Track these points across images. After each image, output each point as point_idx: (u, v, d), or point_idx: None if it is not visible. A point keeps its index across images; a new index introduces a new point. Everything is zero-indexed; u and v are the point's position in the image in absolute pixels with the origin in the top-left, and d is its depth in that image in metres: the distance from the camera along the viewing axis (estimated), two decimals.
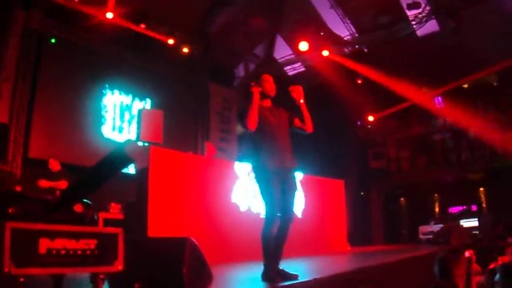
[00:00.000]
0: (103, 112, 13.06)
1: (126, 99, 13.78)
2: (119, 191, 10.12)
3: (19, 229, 3.25)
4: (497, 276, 3.21)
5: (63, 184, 8.70)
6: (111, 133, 13.17)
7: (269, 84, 5.40)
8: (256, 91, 5.20)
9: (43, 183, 8.77)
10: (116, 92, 13.52)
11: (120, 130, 13.45)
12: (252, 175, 5.38)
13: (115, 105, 13.42)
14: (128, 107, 13.80)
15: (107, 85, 13.28)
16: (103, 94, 13.15)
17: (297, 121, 5.46)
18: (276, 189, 5.11)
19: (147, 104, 14.22)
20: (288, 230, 5.22)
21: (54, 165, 9.48)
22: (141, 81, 14.13)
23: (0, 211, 3.59)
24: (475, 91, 18.39)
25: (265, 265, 5.06)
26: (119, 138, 13.24)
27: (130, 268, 3.87)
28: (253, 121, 5.12)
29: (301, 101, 5.41)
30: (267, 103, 5.41)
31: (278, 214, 5.12)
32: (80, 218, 3.77)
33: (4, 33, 11.19)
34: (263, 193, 5.20)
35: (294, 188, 5.32)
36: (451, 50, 15.35)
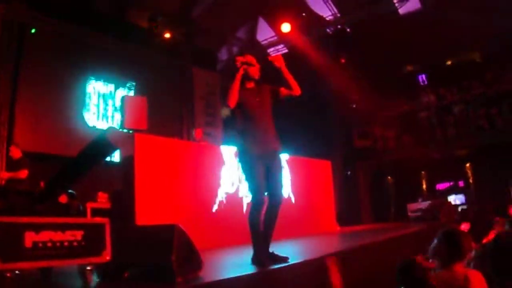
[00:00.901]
0: (86, 100, 12.93)
1: (109, 87, 13.67)
2: (106, 180, 10.08)
3: (3, 223, 3.22)
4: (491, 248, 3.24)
5: (22, 174, 8.46)
6: (95, 121, 13.08)
7: (253, 67, 5.36)
8: (241, 68, 5.17)
9: (3, 174, 8.65)
10: (99, 80, 13.39)
11: (105, 118, 13.35)
12: (237, 159, 5.37)
13: (98, 93, 13.32)
14: (112, 95, 13.70)
15: (89, 74, 13.14)
16: (86, 83, 13.02)
17: (283, 90, 5.41)
18: (260, 172, 5.09)
19: (131, 91, 14.10)
20: (277, 213, 5.21)
21: (15, 153, 9.29)
22: (124, 68, 14.03)
23: None
24: (459, 68, 18.41)
25: (255, 249, 5.05)
26: (104, 126, 13.15)
27: (118, 257, 3.84)
28: (233, 98, 5.11)
29: (284, 67, 5.36)
30: (250, 84, 5.37)
31: (265, 197, 5.11)
32: (65, 209, 3.72)
33: None
34: (248, 177, 5.19)
35: (279, 171, 5.30)
36: (434, 27, 15.33)
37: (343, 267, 4.35)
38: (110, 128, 10.23)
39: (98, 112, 13.22)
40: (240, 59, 5.26)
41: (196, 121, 15.57)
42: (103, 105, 13.38)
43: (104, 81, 13.51)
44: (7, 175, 8.63)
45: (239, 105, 5.19)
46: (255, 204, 5.09)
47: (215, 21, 15.67)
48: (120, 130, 8.05)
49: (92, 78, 13.22)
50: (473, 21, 14.68)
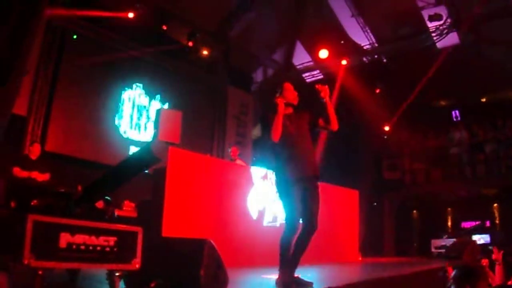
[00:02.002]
0: (120, 108, 13.06)
1: (145, 99, 13.81)
2: (132, 189, 10.14)
3: (40, 222, 3.26)
4: None
5: (44, 177, 8.32)
6: (128, 131, 13.18)
7: (290, 92, 5.39)
8: (281, 102, 5.19)
9: (18, 172, 8.38)
10: (135, 90, 13.54)
11: (137, 127, 13.47)
12: (274, 183, 5.37)
13: (133, 102, 13.44)
14: (146, 107, 13.82)
15: (126, 83, 13.30)
16: (121, 91, 13.17)
17: (321, 121, 5.42)
18: (297, 197, 5.07)
19: (165, 104, 14.23)
20: (309, 240, 5.18)
21: (36, 151, 9.06)
22: (160, 81, 14.18)
23: (23, 204, 3.60)
24: (493, 106, 18.24)
25: (281, 272, 5.04)
26: (136, 136, 13.27)
27: (146, 267, 3.86)
28: (278, 133, 5.11)
29: (328, 100, 5.36)
30: (289, 110, 5.38)
31: (300, 222, 5.10)
32: (101, 214, 3.77)
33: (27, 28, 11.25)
34: (284, 201, 5.17)
35: (316, 197, 5.26)
36: (471, 63, 15.25)
37: None
38: (153, 140, 10.31)
39: (131, 121, 13.33)
40: (278, 96, 5.28)
41: (227, 140, 15.63)
42: (136, 114, 13.49)
43: (140, 91, 13.63)
44: (23, 174, 8.43)
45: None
46: (290, 228, 5.07)
47: (252, 42, 15.79)
48: (161, 142, 8.10)
49: (128, 87, 13.35)
50: (510, 59, 14.59)
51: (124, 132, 13.08)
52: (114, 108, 12.95)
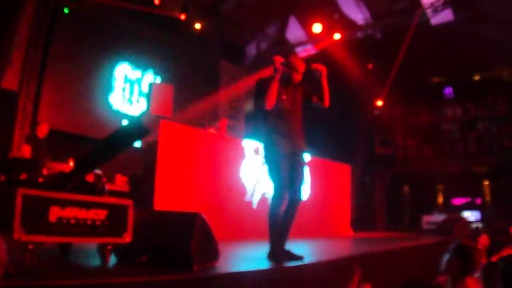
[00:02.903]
0: (113, 83, 12.98)
1: (137, 72, 13.73)
2: (124, 164, 10.12)
3: (30, 196, 3.25)
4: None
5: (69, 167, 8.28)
6: (120, 104, 13.12)
7: (299, 61, 5.37)
8: (280, 70, 5.17)
9: (27, 152, 8.39)
10: (127, 64, 13.45)
11: (129, 102, 13.41)
12: (262, 154, 5.38)
13: (125, 77, 13.36)
14: (138, 80, 13.74)
15: (118, 57, 13.20)
16: (113, 66, 13.07)
17: (314, 98, 5.45)
18: (285, 170, 5.11)
19: (158, 77, 14.15)
20: (296, 212, 5.23)
21: (44, 130, 9.10)
22: (152, 54, 14.09)
23: (13, 178, 3.58)
24: (486, 84, 18.26)
25: (271, 245, 5.07)
26: (129, 110, 13.22)
27: (138, 240, 3.87)
28: (272, 101, 5.10)
29: (325, 79, 5.41)
30: (298, 78, 5.37)
31: (286, 195, 5.13)
32: (91, 188, 3.75)
33: (18, 1, 11.12)
34: (272, 173, 5.20)
35: (302, 171, 5.31)
36: (464, 40, 15.22)
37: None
38: (144, 112, 10.26)
39: (124, 95, 13.27)
40: (279, 59, 5.25)
41: (220, 113, 15.59)
42: (128, 89, 13.42)
43: (131, 65, 13.55)
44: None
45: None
46: (277, 199, 5.11)
47: (245, 15, 15.66)
48: (152, 115, 8.06)
49: (120, 61, 13.26)
50: (504, 38, 14.57)
51: (116, 106, 13.00)
52: (106, 82, 12.85)
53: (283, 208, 5.15)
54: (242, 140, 9.43)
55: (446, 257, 3.61)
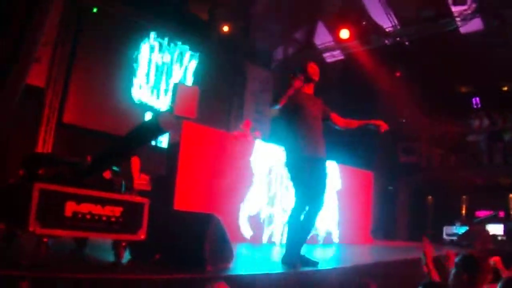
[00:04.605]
0: (136, 80, 13.06)
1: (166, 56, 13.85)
2: (149, 163, 10.21)
3: (47, 191, 3.29)
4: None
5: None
6: (147, 98, 13.25)
7: (313, 69, 5.44)
8: (295, 82, 5.23)
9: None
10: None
11: (157, 95, 13.50)
12: (284, 160, 5.40)
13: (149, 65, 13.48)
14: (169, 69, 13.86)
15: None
16: (137, 63, 13.17)
17: (334, 116, 5.55)
18: (308, 177, 5.12)
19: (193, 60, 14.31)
20: (316, 219, 5.24)
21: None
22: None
23: (31, 172, 3.64)
24: None
25: (287, 250, 5.08)
26: (155, 103, 13.39)
27: (153, 238, 3.90)
28: (283, 102, 5.17)
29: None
30: (310, 89, 5.46)
31: (307, 201, 5.14)
32: (108, 184, 3.79)
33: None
34: (295, 179, 5.22)
35: (324, 178, 5.32)
36: (493, 49, 15.06)
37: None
38: (163, 111, 10.34)
39: (152, 91, 13.35)
40: (293, 76, 5.32)
41: (245, 117, 15.60)
42: (153, 82, 13.47)
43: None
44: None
45: (297, 107, 5.25)
46: (299, 206, 5.12)
47: (273, 20, 15.68)
48: (172, 115, 8.11)
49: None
50: None
51: (143, 99, 13.11)
52: (131, 78, 12.92)
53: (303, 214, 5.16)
54: (266, 144, 9.36)
55: (453, 270, 3.57)
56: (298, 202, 5.15)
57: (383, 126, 5.55)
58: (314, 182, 5.18)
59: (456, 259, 3.58)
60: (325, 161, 5.39)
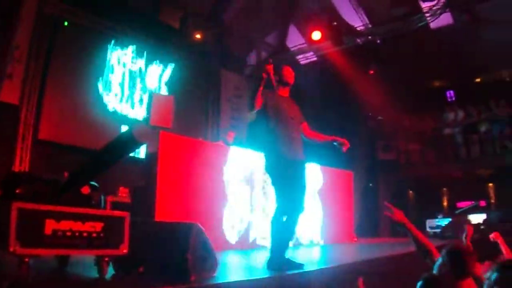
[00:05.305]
0: (110, 93, 12.92)
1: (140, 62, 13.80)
2: (128, 175, 10.15)
3: (25, 210, 3.27)
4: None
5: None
6: (122, 108, 13.12)
7: (288, 72, 5.47)
8: (269, 70, 5.22)
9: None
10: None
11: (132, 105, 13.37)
12: (264, 164, 5.40)
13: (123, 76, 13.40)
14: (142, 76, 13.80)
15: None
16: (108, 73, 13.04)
17: (304, 126, 5.64)
18: (289, 179, 5.14)
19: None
20: (297, 221, 5.24)
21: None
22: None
23: (8, 191, 3.59)
24: (488, 87, 18.25)
25: (272, 253, 5.08)
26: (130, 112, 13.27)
27: (135, 251, 3.88)
28: (259, 102, 5.18)
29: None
30: (285, 92, 5.49)
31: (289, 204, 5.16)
32: (87, 200, 3.76)
33: (18, 15, 11.16)
34: (276, 183, 5.24)
35: (304, 180, 5.36)
36: (465, 44, 15.24)
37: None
38: (138, 123, 10.25)
39: (122, 99, 13.21)
40: (270, 68, 5.30)
41: (221, 123, 15.60)
42: (127, 94, 13.38)
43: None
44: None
45: (274, 110, 5.27)
46: (281, 209, 5.13)
47: (245, 25, 15.70)
48: (147, 126, 8.07)
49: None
50: (504, 40, 14.57)
51: (115, 110, 13.00)
52: (105, 90, 12.79)
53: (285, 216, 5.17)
54: (244, 150, 9.35)
55: (438, 261, 3.58)
56: (280, 205, 5.16)
57: (346, 145, 5.58)
58: (295, 185, 5.20)
59: (442, 252, 3.59)
60: (305, 163, 5.42)
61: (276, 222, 5.15)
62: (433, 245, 4.05)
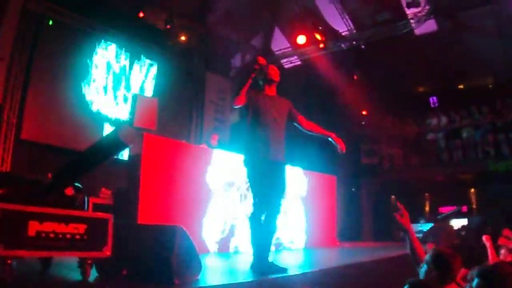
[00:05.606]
0: (93, 91, 12.84)
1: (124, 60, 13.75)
2: (110, 177, 10.09)
3: (8, 211, 3.23)
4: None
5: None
6: (106, 109, 13.06)
7: (273, 70, 5.47)
8: (262, 62, 5.27)
9: None
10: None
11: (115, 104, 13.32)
12: (242, 164, 5.39)
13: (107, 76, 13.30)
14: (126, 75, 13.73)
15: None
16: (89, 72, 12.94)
17: (300, 119, 5.57)
18: (266, 180, 5.13)
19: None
20: (276, 223, 5.24)
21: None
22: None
23: None
24: (470, 93, 18.42)
25: (255, 256, 5.07)
26: (114, 112, 13.23)
27: (119, 254, 3.85)
28: (241, 98, 5.19)
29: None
30: (272, 91, 5.48)
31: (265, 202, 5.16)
32: (70, 202, 3.73)
33: (1, 14, 11.06)
34: (252, 182, 5.23)
35: (282, 181, 5.34)
36: (448, 50, 15.36)
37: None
38: (123, 125, 10.18)
39: (106, 96, 13.15)
40: (262, 60, 5.33)
41: (205, 126, 15.58)
42: (112, 92, 13.33)
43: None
44: None
45: (258, 110, 5.25)
46: (256, 210, 5.13)
47: (230, 27, 15.71)
48: (132, 127, 8.03)
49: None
50: (487, 47, 14.72)
51: (98, 110, 12.93)
52: (89, 89, 12.73)
53: (262, 216, 5.16)
54: (227, 153, 9.33)
55: (423, 268, 3.59)
56: (255, 206, 5.16)
57: (342, 148, 5.61)
58: (272, 186, 5.20)
59: (426, 256, 3.60)
60: (284, 165, 5.40)
61: (253, 223, 5.15)
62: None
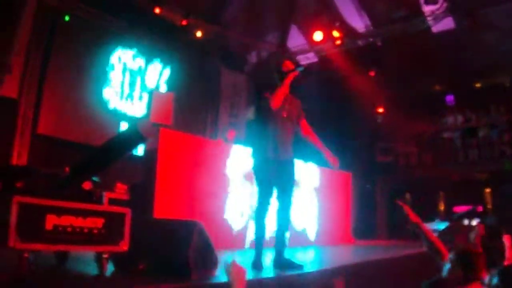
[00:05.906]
0: (110, 88, 12.90)
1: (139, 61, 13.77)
2: (126, 172, 10.08)
3: (26, 204, 3.22)
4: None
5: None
6: (121, 105, 13.12)
7: (289, 65, 5.44)
8: (293, 75, 5.21)
9: None
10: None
11: (131, 99, 13.38)
12: (250, 161, 5.38)
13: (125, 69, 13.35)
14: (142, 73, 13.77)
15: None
16: (109, 70, 12.99)
17: (302, 123, 5.56)
18: (271, 177, 5.11)
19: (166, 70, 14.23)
20: (289, 219, 5.24)
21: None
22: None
23: (9, 185, 3.54)
24: (487, 91, 18.23)
25: (255, 253, 5.09)
26: (129, 110, 13.25)
27: (136, 248, 3.84)
28: (278, 101, 5.12)
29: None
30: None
31: (275, 203, 5.15)
32: (88, 196, 3.72)
33: (17, 9, 11.09)
34: (258, 180, 5.22)
35: (290, 179, 5.32)
36: (466, 48, 15.22)
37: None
38: (141, 119, 10.17)
39: (122, 96, 13.21)
40: (289, 64, 5.31)
41: (220, 121, 15.56)
42: (128, 91, 13.36)
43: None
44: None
45: (268, 110, 5.22)
46: (259, 207, 5.12)
47: (246, 23, 15.66)
48: (149, 122, 8.02)
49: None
50: (505, 45, 14.57)
51: (118, 108, 12.97)
52: (105, 86, 12.76)
53: (267, 213, 5.16)
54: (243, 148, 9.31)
55: (447, 266, 3.53)
56: (260, 205, 5.15)
57: (335, 164, 5.63)
58: (280, 184, 5.17)
59: (450, 255, 3.55)
60: (291, 162, 5.36)
61: (257, 219, 5.20)
62: (443, 246, 4.00)
